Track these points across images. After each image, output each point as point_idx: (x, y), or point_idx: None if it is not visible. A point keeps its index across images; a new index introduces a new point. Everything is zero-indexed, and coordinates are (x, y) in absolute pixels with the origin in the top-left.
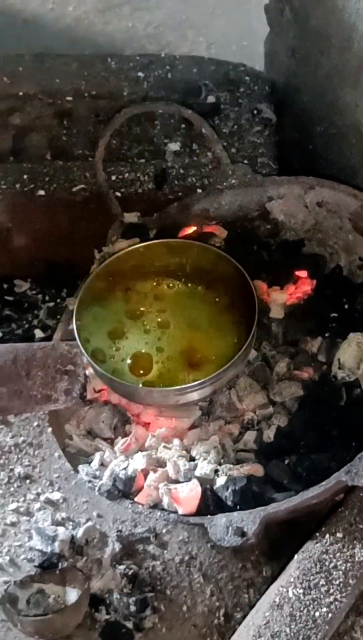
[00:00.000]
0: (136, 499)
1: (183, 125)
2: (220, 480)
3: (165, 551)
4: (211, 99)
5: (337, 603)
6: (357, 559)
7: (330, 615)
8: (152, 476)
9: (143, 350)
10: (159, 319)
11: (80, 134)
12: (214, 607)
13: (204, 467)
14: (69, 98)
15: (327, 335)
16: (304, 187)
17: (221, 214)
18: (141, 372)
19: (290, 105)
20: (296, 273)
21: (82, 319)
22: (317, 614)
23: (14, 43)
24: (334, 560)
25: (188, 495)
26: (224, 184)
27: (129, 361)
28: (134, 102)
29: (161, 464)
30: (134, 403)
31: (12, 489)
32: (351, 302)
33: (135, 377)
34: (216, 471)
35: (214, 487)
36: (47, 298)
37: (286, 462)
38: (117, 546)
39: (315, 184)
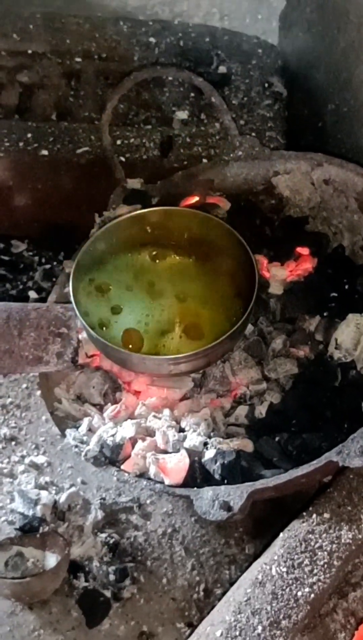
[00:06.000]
0: (122, 467)
1: (192, 94)
2: (209, 453)
3: (148, 522)
4: (222, 69)
5: (320, 584)
6: (342, 540)
7: (312, 595)
8: (140, 445)
9: (138, 320)
10: (156, 288)
11: (87, 96)
12: (195, 582)
13: (193, 439)
14: (79, 59)
15: (325, 314)
16: (312, 164)
17: (225, 186)
18: (130, 346)
19: (302, 80)
20: (298, 250)
21: (79, 282)
22: (299, 593)
23: (27, 2)
24: (320, 540)
25: (176, 466)
26: (231, 155)
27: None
28: (145, 67)
29: (150, 433)
30: (126, 370)
31: None
32: (352, 283)
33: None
34: (206, 444)
35: (203, 460)
36: (43, 260)
37: (277, 439)
38: (100, 514)
39: (323, 161)
